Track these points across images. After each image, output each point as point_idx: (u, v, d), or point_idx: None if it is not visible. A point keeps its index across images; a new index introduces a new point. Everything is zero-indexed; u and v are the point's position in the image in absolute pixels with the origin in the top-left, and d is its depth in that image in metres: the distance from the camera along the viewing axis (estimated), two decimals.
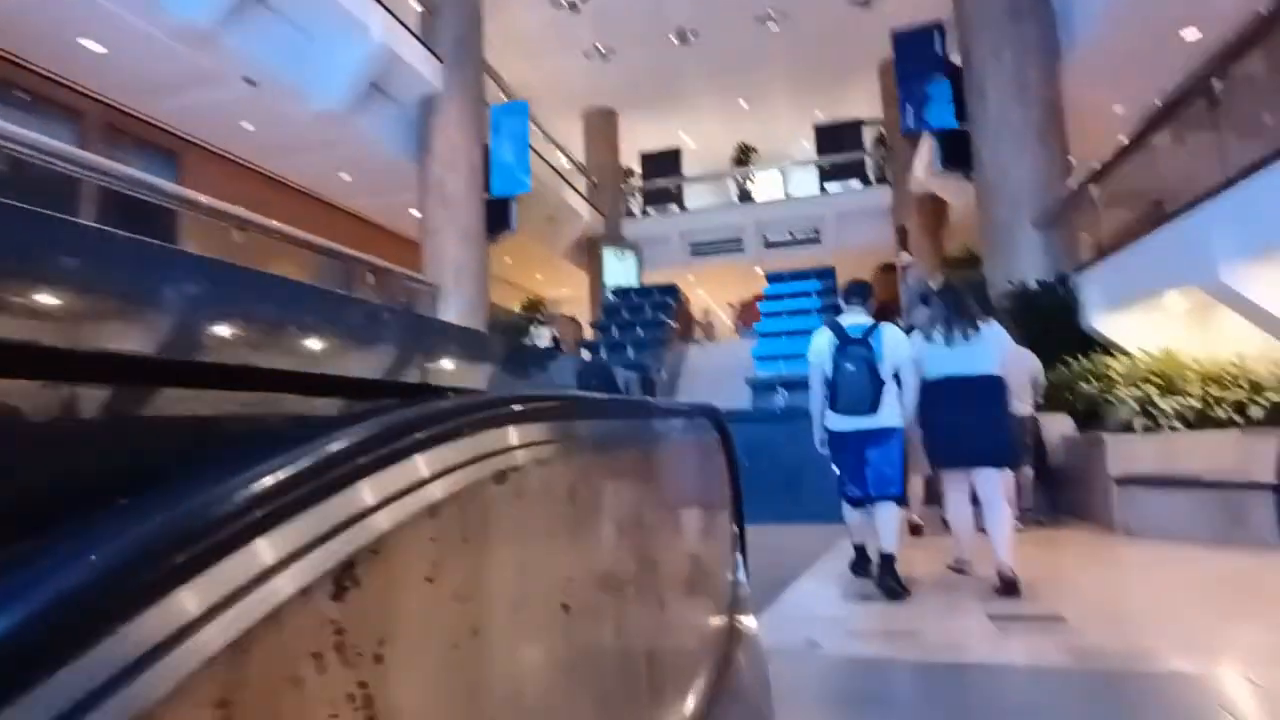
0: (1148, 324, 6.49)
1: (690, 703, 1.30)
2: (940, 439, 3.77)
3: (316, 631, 0.36)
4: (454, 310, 10.65)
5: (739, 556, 1.85)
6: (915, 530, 5.27)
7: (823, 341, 3.80)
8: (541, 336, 10.52)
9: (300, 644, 0.35)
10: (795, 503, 5.96)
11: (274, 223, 8.28)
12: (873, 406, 3.58)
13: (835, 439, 3.81)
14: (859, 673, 2.49)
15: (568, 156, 17.08)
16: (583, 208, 16.70)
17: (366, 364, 0.83)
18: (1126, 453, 4.92)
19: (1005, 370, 3.75)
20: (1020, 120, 8.81)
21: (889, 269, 16.51)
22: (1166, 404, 5.06)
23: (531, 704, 0.60)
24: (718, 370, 10.74)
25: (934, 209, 16.02)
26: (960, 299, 3.90)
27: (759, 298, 16.16)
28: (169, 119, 10.08)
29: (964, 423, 3.63)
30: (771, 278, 11.10)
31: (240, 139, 10.73)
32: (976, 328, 3.73)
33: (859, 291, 3.97)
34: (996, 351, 3.73)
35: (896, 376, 3.70)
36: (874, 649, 2.71)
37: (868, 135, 17.77)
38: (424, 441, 0.48)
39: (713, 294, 21.99)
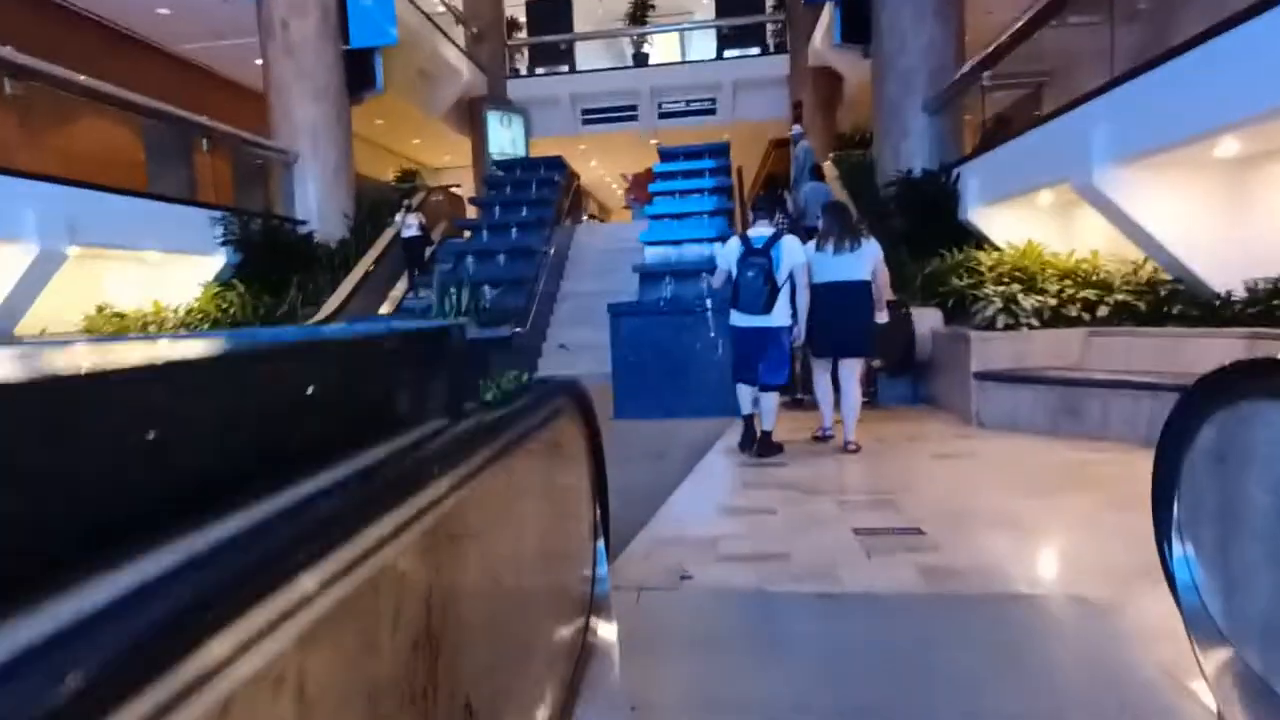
0: (1018, 219, 6.66)
1: None
2: (817, 332, 4.45)
3: None
4: (312, 182, 9.44)
5: (599, 544, 1.64)
6: (800, 403, 5.91)
7: (733, 247, 4.45)
8: (409, 225, 9.43)
9: None
10: (681, 396, 5.92)
11: (71, 74, 6.70)
12: (766, 308, 4.24)
13: (736, 332, 4.46)
14: (730, 609, 2.46)
15: (443, 1, 15.00)
16: (462, 64, 14.95)
17: None
18: (987, 350, 5.13)
19: (874, 277, 4.48)
20: None
21: (782, 144, 16.17)
22: (1027, 302, 5.26)
23: None
24: (607, 252, 10.31)
25: (830, 84, 15.57)
26: (845, 218, 4.70)
27: (651, 173, 15.55)
28: None
29: (837, 321, 4.40)
30: (664, 154, 10.48)
31: None
32: (859, 242, 4.48)
33: (766, 205, 4.66)
34: (870, 262, 4.46)
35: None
36: (745, 577, 2.68)
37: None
38: None
39: (605, 164, 20.95)
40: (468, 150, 16.57)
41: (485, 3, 16.09)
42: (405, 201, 9.51)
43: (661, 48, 17.94)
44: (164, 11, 9.96)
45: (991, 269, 6.10)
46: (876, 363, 6.52)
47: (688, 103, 16.55)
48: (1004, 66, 7.15)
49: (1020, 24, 6.49)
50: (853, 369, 4.52)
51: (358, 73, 9.96)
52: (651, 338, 5.90)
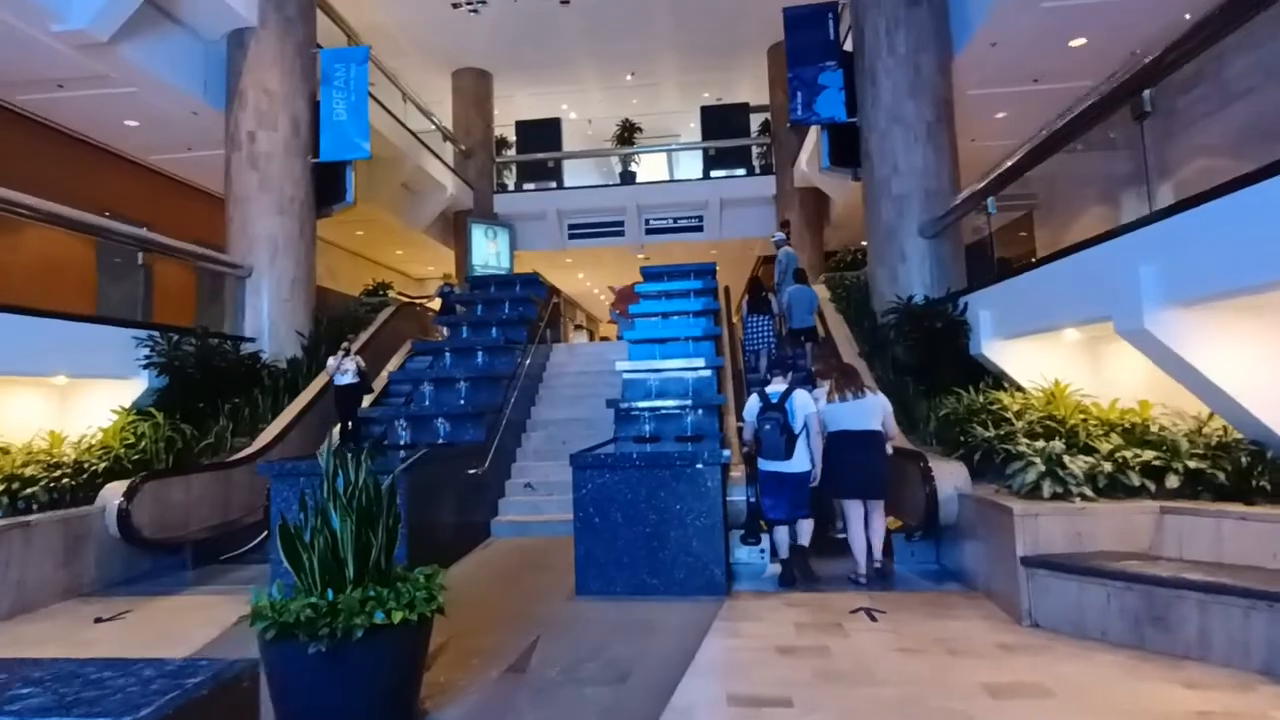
0: (1041, 354, 5.81)
1: None
2: (840, 476, 4.90)
3: None
4: (266, 296, 8.61)
5: None
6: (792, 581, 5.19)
7: (753, 403, 4.97)
8: (344, 371, 7.57)
9: None
10: (658, 569, 4.78)
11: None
12: (786, 454, 4.76)
13: (762, 476, 4.93)
14: None
15: (429, 118, 14.96)
16: (447, 178, 14.71)
17: None
18: (1035, 527, 4.08)
19: (885, 428, 4.99)
20: (912, 114, 7.99)
21: (770, 260, 15.83)
22: (1076, 465, 4.27)
23: None
24: (585, 375, 9.41)
25: (817, 203, 15.43)
26: (851, 373, 5.22)
27: (636, 284, 15.01)
28: None
29: (856, 464, 4.85)
30: (647, 274, 9.83)
31: None
32: (863, 392, 5.02)
33: (780, 365, 5.25)
34: (879, 412, 4.97)
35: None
36: None
37: (755, 121, 16.86)
38: None
39: (593, 277, 20.62)
40: (451, 261, 16.12)
41: (475, 121, 16.12)
42: (344, 344, 7.90)
43: (649, 167, 18.00)
44: (132, 124, 9.50)
45: (1019, 415, 5.17)
46: (890, 520, 5.46)
47: (675, 220, 16.32)
48: (1017, 198, 6.56)
49: (1021, 155, 5.90)
50: (877, 505, 4.96)
51: (327, 185, 9.40)
52: (623, 497, 4.83)
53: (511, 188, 16.89)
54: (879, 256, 8.33)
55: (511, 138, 17.33)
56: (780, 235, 10.89)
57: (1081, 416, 4.91)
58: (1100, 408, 5.02)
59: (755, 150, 16.66)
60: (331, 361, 7.66)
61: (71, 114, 9.29)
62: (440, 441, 6.70)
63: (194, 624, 4.52)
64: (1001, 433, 5.00)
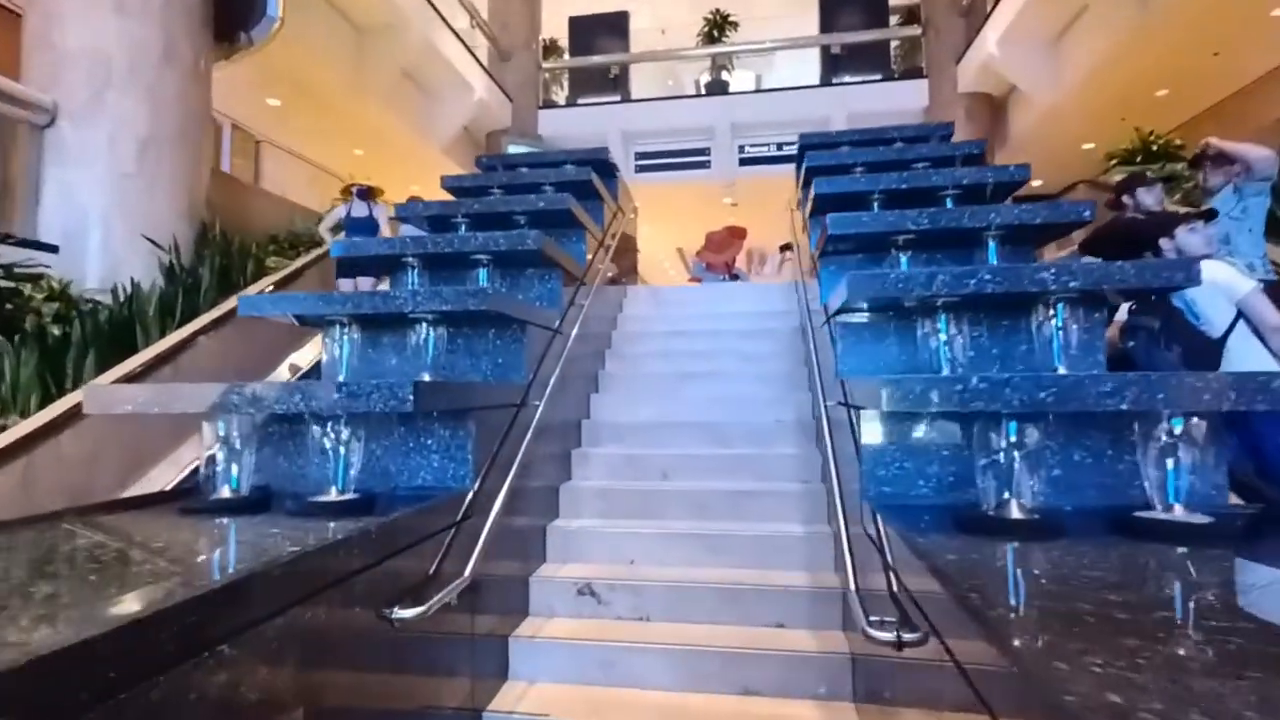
0: None
1: None
2: None
3: None
4: (89, 169, 4.28)
5: None
6: None
7: None
8: None
9: None
10: None
11: None
12: None
13: None
14: None
15: (464, 4, 10.52)
16: (475, 76, 10.29)
17: None
18: None
19: None
20: None
21: None
22: None
23: None
24: (684, 346, 4.78)
25: (991, 116, 10.47)
26: None
27: (734, 231, 10.38)
28: None
29: None
30: (806, 143, 5.02)
31: None
32: None
33: None
34: None
35: None
36: None
37: (894, 12, 11.96)
38: None
39: (662, 234, 15.90)
40: None
41: (518, 11, 11.68)
42: None
43: (741, 81, 13.22)
44: None
45: None
46: None
47: (780, 145, 11.55)
48: None
49: None
50: None
51: None
52: None
53: (562, 103, 12.39)
54: None
55: (564, 43, 12.83)
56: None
57: None
58: None
59: (894, 48, 11.75)
60: None
61: None
62: (346, 496, 2.17)
63: None
64: None
